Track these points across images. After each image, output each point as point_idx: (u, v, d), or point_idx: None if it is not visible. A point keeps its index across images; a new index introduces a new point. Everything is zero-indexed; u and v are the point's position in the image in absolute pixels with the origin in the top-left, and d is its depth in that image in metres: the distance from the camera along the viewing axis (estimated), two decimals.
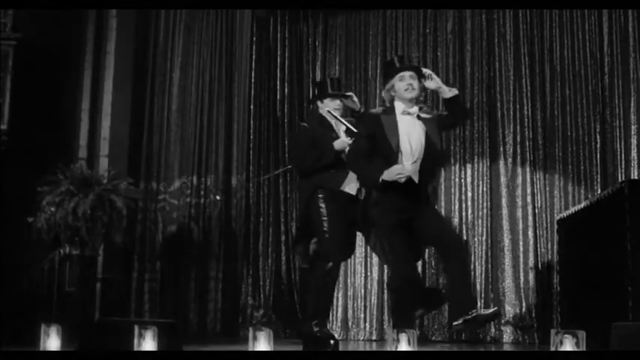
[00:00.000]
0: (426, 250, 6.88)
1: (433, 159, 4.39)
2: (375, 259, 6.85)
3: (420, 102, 4.49)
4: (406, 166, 4.25)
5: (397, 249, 4.29)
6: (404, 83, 4.35)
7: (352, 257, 7.01)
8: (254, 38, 7.64)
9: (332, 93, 4.96)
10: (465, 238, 6.82)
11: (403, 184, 4.22)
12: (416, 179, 4.26)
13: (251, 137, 7.54)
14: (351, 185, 4.80)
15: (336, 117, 4.84)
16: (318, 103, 5.04)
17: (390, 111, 4.39)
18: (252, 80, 7.59)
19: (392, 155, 4.26)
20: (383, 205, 4.28)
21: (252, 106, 7.56)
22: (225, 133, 7.36)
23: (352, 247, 4.98)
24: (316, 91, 5.30)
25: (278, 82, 7.56)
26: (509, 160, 6.83)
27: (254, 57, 7.61)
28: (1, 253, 6.36)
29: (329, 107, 4.92)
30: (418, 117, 4.36)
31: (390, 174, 4.21)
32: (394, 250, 4.31)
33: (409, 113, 4.35)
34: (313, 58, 7.53)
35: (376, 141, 4.33)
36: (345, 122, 4.74)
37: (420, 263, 6.81)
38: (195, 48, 7.47)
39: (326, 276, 4.74)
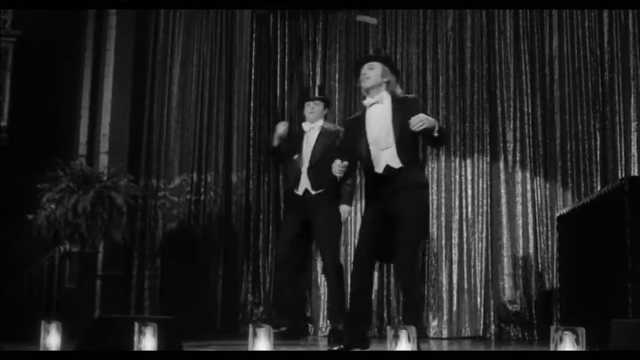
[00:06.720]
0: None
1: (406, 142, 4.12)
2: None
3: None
4: (378, 153, 4.13)
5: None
6: (360, 75, 4.26)
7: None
8: (254, 35, 7.62)
9: (302, 99, 5.37)
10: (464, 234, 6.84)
11: (376, 174, 4.14)
12: (396, 165, 4.08)
13: (251, 134, 7.53)
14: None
15: None
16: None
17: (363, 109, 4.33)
18: (252, 77, 7.58)
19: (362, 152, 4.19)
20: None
21: (252, 103, 7.55)
22: (225, 130, 7.35)
23: None
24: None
25: (278, 79, 7.55)
26: (509, 156, 6.83)
27: (254, 54, 7.60)
28: (0, 251, 6.36)
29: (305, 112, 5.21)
30: (398, 101, 4.19)
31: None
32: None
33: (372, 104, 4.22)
34: (313, 54, 7.52)
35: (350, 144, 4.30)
36: None
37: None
38: (195, 45, 7.46)
39: None
